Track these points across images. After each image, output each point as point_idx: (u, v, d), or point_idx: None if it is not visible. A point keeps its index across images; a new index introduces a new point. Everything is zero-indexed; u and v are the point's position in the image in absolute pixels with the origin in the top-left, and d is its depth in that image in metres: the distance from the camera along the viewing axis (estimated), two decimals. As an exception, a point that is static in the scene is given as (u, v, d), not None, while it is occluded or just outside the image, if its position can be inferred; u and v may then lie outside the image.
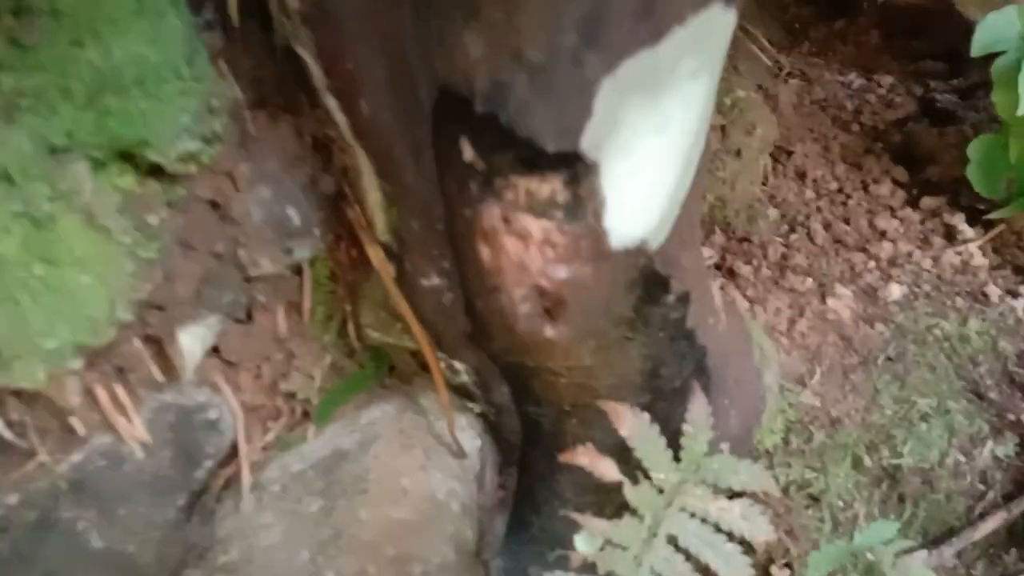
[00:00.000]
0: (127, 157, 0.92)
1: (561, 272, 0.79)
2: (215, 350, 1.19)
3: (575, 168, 0.71)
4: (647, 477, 1.01)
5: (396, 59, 0.78)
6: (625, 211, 0.78)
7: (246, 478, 1.23)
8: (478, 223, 0.77)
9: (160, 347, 1.10)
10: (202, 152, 0.94)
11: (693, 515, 0.99)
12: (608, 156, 0.72)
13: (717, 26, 0.70)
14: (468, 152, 0.72)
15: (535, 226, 0.75)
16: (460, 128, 0.72)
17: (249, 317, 1.18)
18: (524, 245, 0.77)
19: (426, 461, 1.24)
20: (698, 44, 0.68)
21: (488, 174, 0.73)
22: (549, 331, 0.86)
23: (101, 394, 1.09)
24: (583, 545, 0.98)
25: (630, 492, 0.97)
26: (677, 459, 1.03)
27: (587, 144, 0.70)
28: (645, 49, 0.65)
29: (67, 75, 0.83)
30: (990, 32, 1.37)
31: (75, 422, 1.10)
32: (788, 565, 1.21)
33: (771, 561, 1.21)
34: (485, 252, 0.80)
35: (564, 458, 0.99)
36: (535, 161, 0.70)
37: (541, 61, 0.63)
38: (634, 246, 0.83)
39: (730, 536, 0.99)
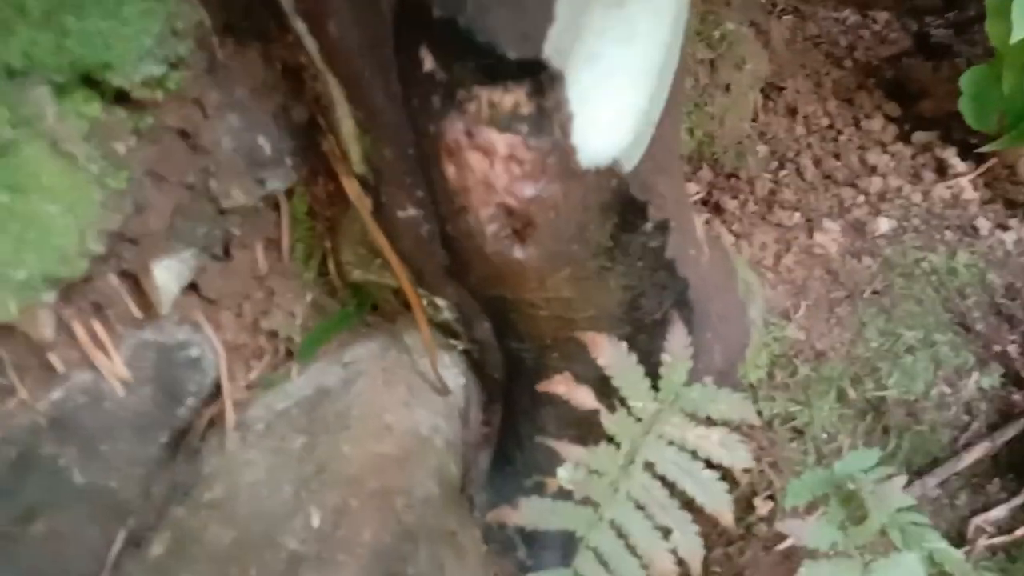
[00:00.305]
0: (91, 83, 0.90)
1: (528, 190, 0.77)
2: (195, 288, 1.18)
3: (539, 78, 0.70)
4: (625, 406, 1.00)
5: (358, -28, 0.76)
6: (594, 127, 0.76)
7: (230, 417, 1.22)
8: (441, 139, 0.76)
9: (137, 283, 1.09)
10: (167, 77, 0.92)
11: (671, 443, 0.98)
12: (573, 66, 0.70)
13: (683, -73, 0.68)
14: (428, 62, 0.71)
15: (499, 141, 0.73)
16: (419, 36, 0.70)
17: (227, 254, 1.17)
18: (489, 161, 0.75)
19: (410, 398, 1.24)
20: (663, -55, 0.66)
21: (449, 85, 0.71)
22: (518, 253, 0.85)
23: (79, 330, 1.08)
24: (565, 474, 0.98)
25: (607, 420, 0.97)
26: (657, 389, 1.02)
27: (550, 51, 0.68)
28: (606, -52, 0.63)
29: (21, -8, 0.81)
30: (985, -41, 1.34)
31: (54, 359, 1.09)
32: (771, 497, 1.21)
33: (755, 493, 1.21)
34: (450, 170, 0.78)
35: (541, 387, 0.98)
36: (497, 69, 0.68)
37: (496, -41, 0.61)
38: (605, 166, 0.81)
39: (709, 464, 0.98)
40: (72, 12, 0.81)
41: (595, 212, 0.88)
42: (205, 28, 0.94)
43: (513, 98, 0.71)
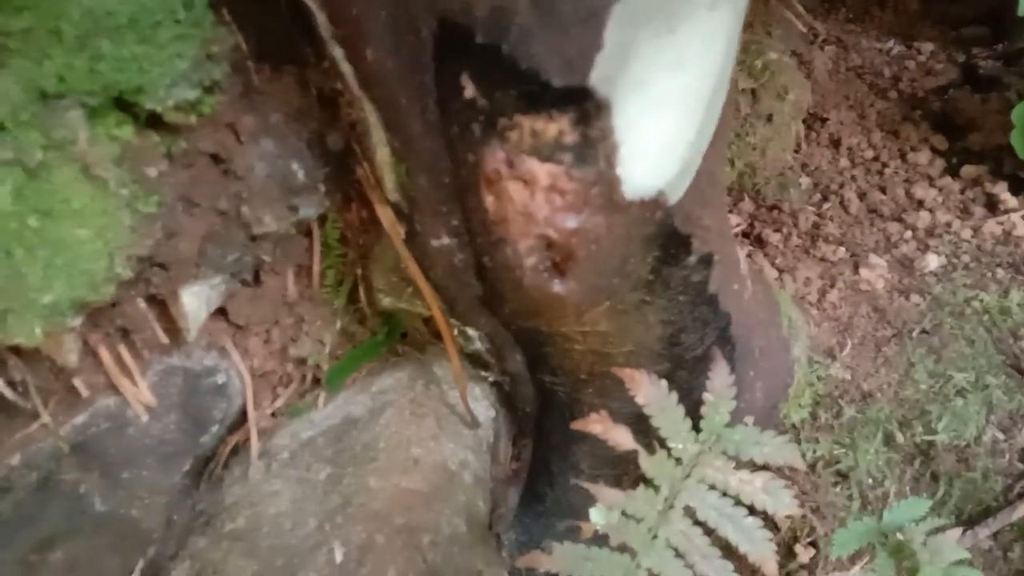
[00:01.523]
0: (124, 106, 0.89)
1: (570, 222, 0.74)
2: (223, 313, 1.16)
3: (584, 106, 0.67)
4: (664, 447, 0.96)
5: (398, -2, 0.74)
6: (640, 157, 0.73)
7: (255, 445, 1.20)
8: (481, 168, 0.73)
9: (164, 308, 1.07)
10: (202, 101, 0.91)
11: (712, 487, 0.94)
12: (621, 94, 0.67)
13: (739, -48, 0.65)
14: (469, 89, 0.68)
15: (541, 170, 0.70)
16: (461, 63, 0.68)
17: (257, 280, 1.15)
18: (530, 191, 0.72)
19: (438, 431, 1.20)
20: (718, -30, 0.63)
21: (490, 113, 0.68)
22: (558, 287, 0.82)
23: (105, 355, 1.07)
24: (598, 517, 0.94)
25: (646, 462, 0.93)
26: (697, 429, 0.98)
27: (597, 79, 0.65)
28: (659, -28, 0.60)
29: (57, 16, 0.79)
30: (1038, -10, 1.30)
31: (78, 383, 1.08)
32: (813, 544, 1.16)
33: (796, 539, 1.16)
34: (489, 200, 0.75)
35: (576, 426, 0.94)
36: (540, 97, 0.65)
37: (544, -17, 0.59)
38: (650, 197, 0.78)
39: (751, 510, 0.94)
40: (107, 36, 0.80)
41: (638, 245, 0.84)
42: (241, 53, 0.92)
43: (557, 127, 0.68)
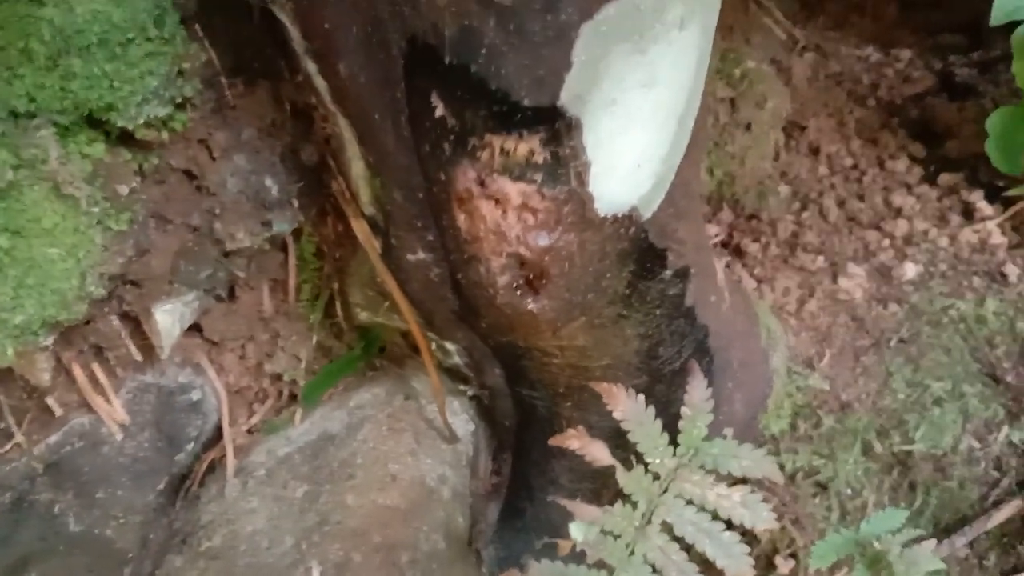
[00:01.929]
0: (95, 123, 0.88)
1: (542, 240, 0.74)
2: (198, 329, 1.15)
3: (554, 125, 0.66)
4: (642, 462, 0.96)
5: (369, 14, 0.74)
6: (612, 174, 0.72)
7: (231, 462, 1.19)
8: (452, 187, 0.72)
9: (138, 325, 1.06)
10: (173, 118, 0.90)
11: (690, 502, 0.94)
12: (591, 113, 0.66)
13: (708, -30, 0.65)
14: (439, 108, 0.68)
15: (512, 189, 0.70)
16: (431, 82, 0.67)
17: (232, 295, 1.15)
18: (501, 210, 0.72)
19: (416, 446, 1.20)
20: (687, -11, 0.63)
21: (461, 132, 0.68)
22: (531, 304, 0.81)
23: (78, 373, 1.06)
24: (578, 533, 0.93)
25: (623, 477, 0.92)
26: (675, 443, 0.98)
27: (567, 98, 0.65)
28: (627, -8, 0.59)
29: (27, 35, 0.79)
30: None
31: (52, 402, 1.07)
32: (793, 555, 1.15)
33: (775, 551, 1.16)
34: (461, 218, 0.75)
35: (554, 441, 0.94)
36: (510, 117, 0.65)
37: (511, 4, 0.58)
38: (623, 213, 0.78)
39: (729, 524, 0.93)
40: (78, 55, 0.79)
41: (612, 260, 0.84)
42: (213, 68, 0.92)
43: (527, 146, 0.67)
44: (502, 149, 0.68)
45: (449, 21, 0.61)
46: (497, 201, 0.71)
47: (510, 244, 0.74)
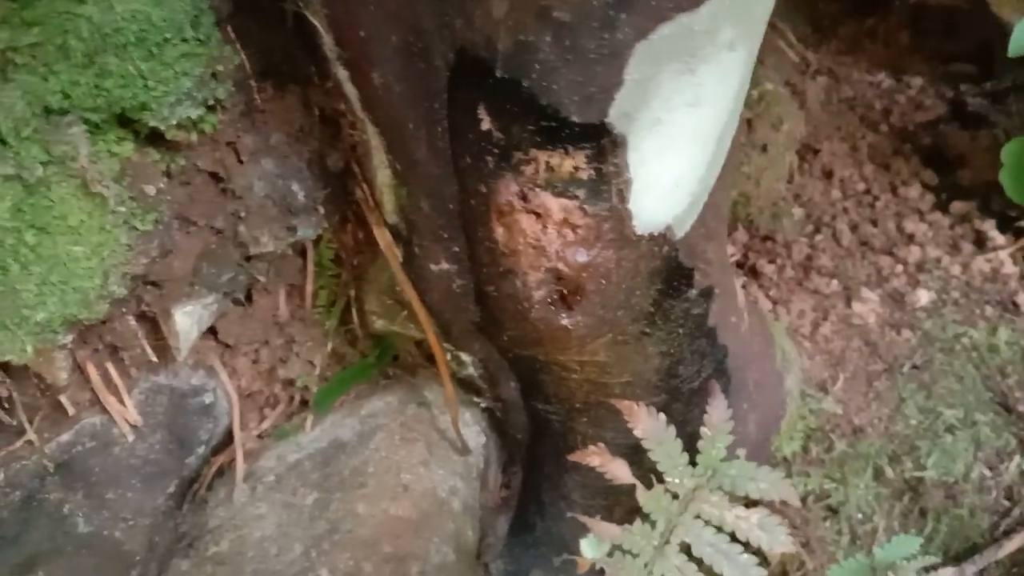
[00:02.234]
0: (126, 122, 0.88)
1: (581, 256, 0.74)
2: (212, 332, 1.14)
3: (601, 142, 0.66)
4: (661, 481, 0.95)
5: (410, 24, 0.73)
6: (652, 192, 0.72)
7: (240, 467, 1.18)
8: (493, 200, 0.72)
9: (155, 325, 1.05)
10: (204, 120, 0.90)
11: (708, 523, 0.93)
12: (637, 130, 0.66)
13: (760, -6, 0.65)
14: (486, 121, 0.67)
15: (554, 204, 0.70)
16: (478, 95, 0.67)
17: (248, 298, 1.14)
18: (542, 225, 0.71)
19: (428, 456, 1.19)
20: (739, 12, 0.63)
21: (506, 146, 0.68)
22: (565, 320, 0.81)
23: (92, 372, 1.05)
24: (589, 550, 0.93)
25: (643, 496, 0.92)
26: (693, 463, 0.98)
27: (615, 115, 0.65)
28: (684, 14, 0.59)
29: (65, 32, 0.78)
30: (1030, 32, 1.32)
31: (65, 400, 1.05)
32: (803, 578, 1.15)
33: (785, 573, 1.16)
34: (500, 232, 0.75)
35: (574, 458, 0.93)
36: (558, 133, 0.65)
37: (569, 20, 0.58)
38: (659, 232, 0.78)
39: (746, 546, 0.93)
40: (115, 53, 0.79)
41: (644, 278, 0.84)
42: (244, 71, 0.91)
43: (572, 162, 0.67)
44: (547, 164, 0.67)
45: (504, 35, 0.61)
46: (538, 216, 0.71)
47: (549, 259, 0.74)
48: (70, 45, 0.78)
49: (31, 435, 1.03)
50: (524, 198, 0.70)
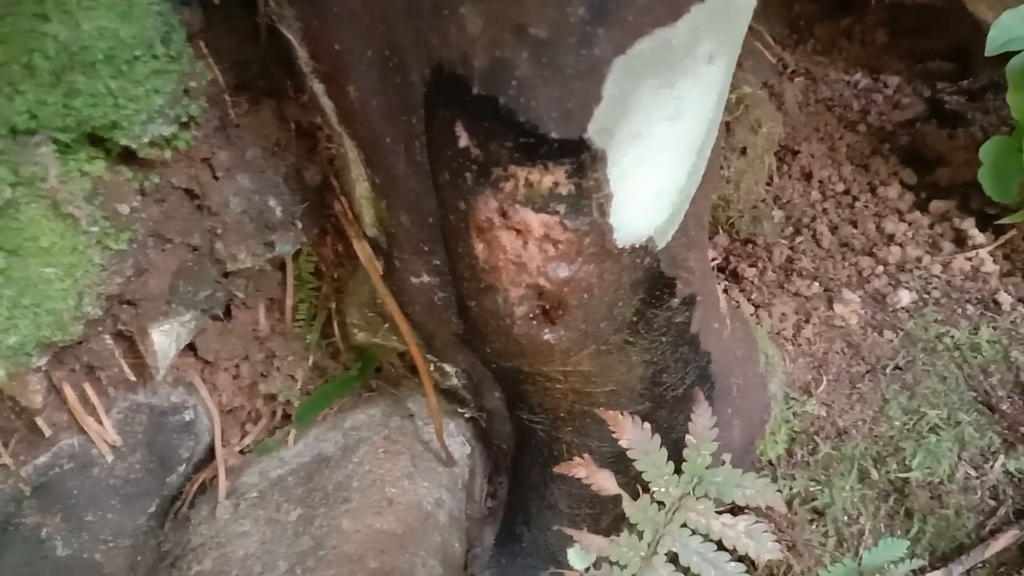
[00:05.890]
0: (96, 141, 0.86)
1: (563, 271, 0.73)
2: (192, 348, 1.13)
3: (580, 158, 0.66)
4: (646, 490, 0.95)
5: (386, 39, 0.72)
6: (633, 205, 0.72)
7: (222, 484, 1.17)
8: (473, 216, 0.71)
9: (132, 344, 1.04)
10: (177, 137, 0.88)
11: (695, 532, 0.93)
12: (617, 145, 0.66)
13: (738, 4, 0.64)
14: (463, 138, 0.66)
15: (535, 220, 0.69)
16: (455, 112, 0.66)
17: (228, 314, 1.12)
18: (522, 241, 0.71)
19: (412, 469, 1.18)
20: (717, 24, 0.63)
21: (485, 163, 0.67)
22: (548, 335, 0.80)
23: (69, 393, 1.03)
24: (576, 561, 0.92)
25: (629, 507, 0.91)
26: (678, 471, 0.97)
27: (594, 131, 0.64)
28: (662, 28, 0.59)
29: (31, 51, 0.76)
30: (1005, 31, 1.32)
31: (41, 422, 1.03)
32: (791, 582, 1.15)
33: (773, 578, 1.16)
34: (480, 248, 0.74)
35: (560, 470, 0.93)
36: (536, 149, 0.64)
37: (546, 37, 0.57)
38: (640, 244, 0.77)
39: (733, 554, 0.93)
40: (82, 71, 0.77)
41: (626, 289, 0.83)
42: (218, 86, 0.90)
43: (552, 178, 0.67)
44: (526, 180, 0.67)
45: (480, 52, 0.60)
46: (518, 232, 0.70)
47: (530, 275, 0.73)
48: (36, 64, 0.76)
49: (6, 459, 1.01)
50: (504, 214, 0.69)
